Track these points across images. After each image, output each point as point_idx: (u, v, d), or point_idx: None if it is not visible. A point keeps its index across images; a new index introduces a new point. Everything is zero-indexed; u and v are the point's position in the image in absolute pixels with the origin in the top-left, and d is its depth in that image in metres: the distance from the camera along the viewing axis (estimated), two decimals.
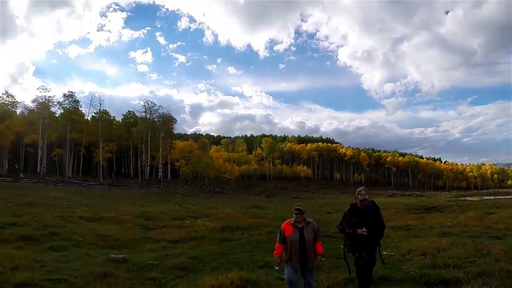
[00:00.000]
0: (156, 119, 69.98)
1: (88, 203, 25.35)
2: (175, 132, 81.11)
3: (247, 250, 11.27)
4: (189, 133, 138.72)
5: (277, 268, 6.15)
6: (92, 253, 10.00)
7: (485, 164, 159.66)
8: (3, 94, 60.61)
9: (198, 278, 7.43)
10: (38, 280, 6.40)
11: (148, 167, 67.78)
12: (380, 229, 6.25)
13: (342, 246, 6.61)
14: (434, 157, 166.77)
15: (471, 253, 9.33)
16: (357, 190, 6.31)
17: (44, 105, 58.74)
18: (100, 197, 33.59)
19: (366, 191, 6.19)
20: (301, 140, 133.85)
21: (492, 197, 59.48)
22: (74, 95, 62.79)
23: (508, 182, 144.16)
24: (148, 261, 9.19)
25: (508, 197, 56.36)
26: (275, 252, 5.85)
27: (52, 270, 7.51)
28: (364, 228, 5.93)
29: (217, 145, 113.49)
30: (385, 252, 10.16)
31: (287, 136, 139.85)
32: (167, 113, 71.78)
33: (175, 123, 76.13)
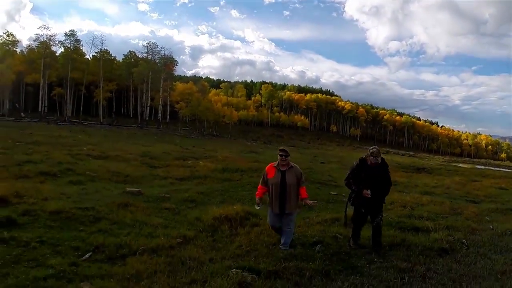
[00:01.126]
0: (157, 61, 69.49)
1: (93, 141, 26.31)
2: (175, 74, 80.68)
3: (247, 189, 12.36)
4: (188, 75, 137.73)
5: (258, 207, 6.22)
6: (108, 187, 11.00)
7: (481, 134, 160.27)
8: (3, 33, 60.04)
9: (207, 208, 8.55)
10: (69, 208, 7.26)
11: (148, 108, 68.33)
12: (387, 187, 6.47)
13: (347, 199, 6.74)
14: (431, 121, 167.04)
15: (446, 211, 10.61)
16: (371, 149, 6.38)
17: (45, 44, 58.44)
18: (102, 136, 34.50)
19: (379, 153, 6.31)
20: (301, 89, 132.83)
21: (482, 167, 60.93)
22: (75, 34, 62.17)
23: (501, 155, 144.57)
24: (160, 194, 10.25)
25: (497, 168, 57.82)
26: (256, 192, 6.17)
27: (77, 200, 8.45)
28: (369, 191, 6.15)
29: (216, 89, 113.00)
30: None
31: (287, 84, 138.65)
32: (168, 55, 71.31)
33: (176, 65, 75.67)
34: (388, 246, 6.59)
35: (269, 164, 6.16)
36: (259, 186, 6.13)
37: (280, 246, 5.99)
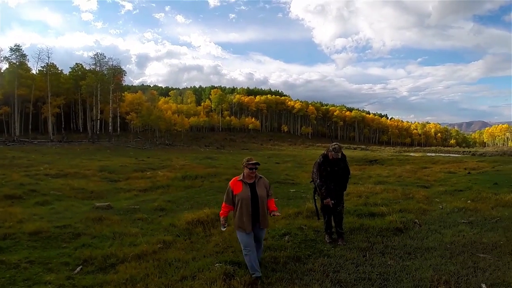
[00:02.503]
0: (105, 72, 67.42)
1: (47, 160, 25.63)
2: (123, 84, 79.09)
3: (211, 194, 12.91)
4: (135, 84, 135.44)
5: (224, 229, 5.42)
6: (76, 204, 11.01)
7: (429, 123, 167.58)
8: None
9: (177, 215, 8.99)
10: (47, 228, 7.43)
11: (98, 121, 66.56)
12: (347, 177, 6.98)
13: (313, 193, 7.16)
14: (381, 113, 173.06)
15: (398, 196, 11.54)
16: (332, 145, 6.76)
17: None
18: (56, 154, 33.47)
19: (340, 149, 6.73)
20: (250, 92, 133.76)
21: (433, 154, 64.03)
22: (21, 49, 59.01)
23: (450, 141, 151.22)
24: (129, 206, 10.50)
25: (447, 154, 61.26)
26: (221, 212, 5.36)
27: (51, 220, 8.54)
28: (330, 200, 6.56)
29: (165, 97, 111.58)
30: None
31: (236, 87, 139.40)
32: (116, 65, 69.39)
33: (125, 75, 74.05)
34: (348, 231, 7.30)
35: (232, 179, 5.41)
36: (223, 204, 5.33)
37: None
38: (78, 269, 5.51)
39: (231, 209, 5.34)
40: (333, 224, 6.92)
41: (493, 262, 5.60)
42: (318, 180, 6.79)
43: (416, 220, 8.23)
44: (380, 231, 7.31)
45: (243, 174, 5.37)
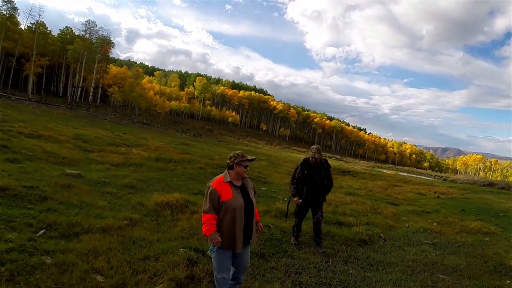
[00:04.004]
0: (94, 41, 65.66)
1: (23, 118, 24.80)
2: (110, 56, 77.30)
3: (183, 179, 12.80)
4: (122, 58, 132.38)
5: (214, 252, 3.91)
6: (46, 168, 10.73)
7: (406, 143, 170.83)
8: None
9: (147, 195, 8.87)
10: (15, 186, 7.19)
11: (80, 88, 65.08)
12: (328, 185, 6.90)
13: (289, 197, 7.25)
14: (360, 127, 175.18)
15: (367, 209, 11.80)
16: (312, 147, 6.82)
17: None
18: (32, 113, 32.46)
19: (319, 151, 6.69)
20: (234, 85, 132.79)
21: (405, 174, 64.86)
22: (13, 1, 56.95)
23: (424, 164, 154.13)
24: (100, 178, 10.30)
25: (419, 176, 62.53)
26: (206, 228, 3.85)
27: (20, 179, 8.26)
28: (299, 199, 6.72)
29: (150, 76, 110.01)
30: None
31: (221, 79, 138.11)
32: (106, 36, 67.74)
33: (113, 47, 72.40)
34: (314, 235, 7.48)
35: (215, 181, 4.03)
36: (207, 215, 3.88)
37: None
38: (41, 232, 5.40)
39: (216, 221, 3.92)
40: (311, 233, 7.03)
41: (451, 284, 5.82)
42: (291, 179, 6.94)
43: (382, 235, 8.46)
44: (346, 240, 7.50)
45: (229, 174, 4.10)
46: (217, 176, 4.12)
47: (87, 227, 5.85)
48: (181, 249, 5.38)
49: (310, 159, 6.74)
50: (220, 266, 4.01)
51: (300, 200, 6.74)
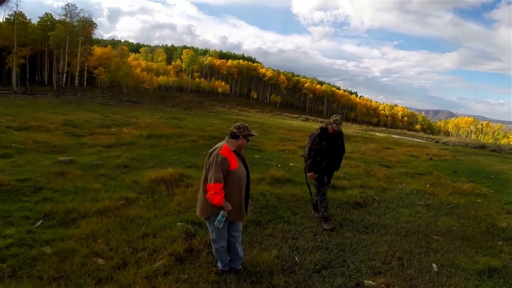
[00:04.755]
0: (75, 24, 63.63)
1: (10, 112, 24.31)
2: (93, 37, 75.23)
3: (176, 154, 12.74)
4: (106, 38, 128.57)
5: (223, 222, 3.86)
6: (38, 158, 10.58)
7: (398, 106, 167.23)
8: None
9: (141, 173, 8.86)
10: (8, 181, 7.11)
11: (65, 74, 63.61)
12: (342, 154, 6.57)
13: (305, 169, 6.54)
14: (351, 90, 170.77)
15: (360, 172, 11.89)
16: (333, 117, 6.20)
17: None
18: (18, 106, 31.79)
19: (342, 121, 6.19)
20: (222, 55, 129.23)
21: (398, 136, 64.86)
22: None
23: (416, 126, 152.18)
24: (93, 161, 10.20)
25: (411, 138, 62.73)
26: (219, 197, 3.74)
27: (12, 173, 8.16)
28: (314, 174, 6.22)
29: (135, 53, 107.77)
30: (291, 164, 12.47)
31: (209, 49, 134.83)
32: (88, 17, 65.24)
33: (96, 28, 70.28)
34: (309, 200, 7.47)
35: (223, 148, 3.91)
36: (218, 185, 3.74)
37: (235, 267, 4.32)
38: (38, 223, 5.39)
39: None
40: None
41: (445, 244, 5.93)
42: (307, 152, 6.35)
43: (376, 197, 8.56)
44: (340, 204, 7.58)
45: (232, 143, 4.03)
46: (220, 144, 4.01)
47: (84, 211, 5.85)
48: (178, 223, 5.41)
49: (330, 129, 6.18)
50: (219, 236, 4.02)
51: (316, 175, 6.26)
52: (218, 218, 3.81)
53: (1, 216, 5.52)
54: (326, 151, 6.26)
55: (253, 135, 4.12)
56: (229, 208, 3.80)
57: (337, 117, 6.20)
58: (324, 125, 6.37)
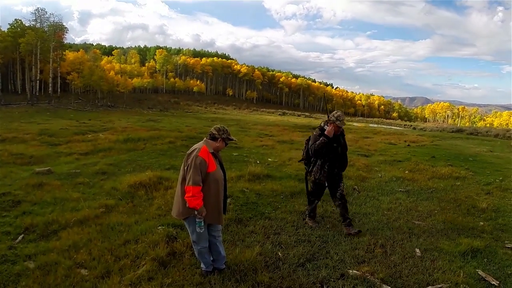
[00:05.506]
0: (46, 29, 61.61)
1: None
2: (64, 42, 73.24)
3: (153, 157, 12.70)
4: (77, 42, 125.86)
5: (203, 227, 3.90)
6: (15, 171, 10.36)
7: (374, 95, 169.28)
8: None
9: (119, 178, 8.83)
10: None
11: (38, 82, 61.83)
12: (346, 153, 5.90)
13: (305, 175, 6.07)
14: (326, 82, 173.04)
15: None
16: (336, 114, 5.51)
17: None
18: None
19: (344, 117, 5.61)
20: (196, 54, 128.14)
21: (375, 125, 65.42)
22: None
23: (393, 114, 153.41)
24: (70, 170, 10.06)
25: (389, 127, 63.51)
26: (197, 201, 3.71)
27: None
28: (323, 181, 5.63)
29: (108, 56, 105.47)
30: (270, 159, 12.58)
31: (182, 48, 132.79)
32: (58, 22, 63.18)
33: (67, 32, 68.37)
34: (289, 194, 7.62)
35: (201, 150, 3.84)
36: (196, 188, 3.70)
37: (219, 266, 4.35)
38: (19, 237, 5.33)
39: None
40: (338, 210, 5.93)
41: (427, 229, 6.08)
42: (304, 155, 5.93)
43: (356, 187, 8.72)
44: None
45: (210, 144, 3.99)
46: (198, 145, 3.93)
47: (64, 222, 5.81)
48: (160, 227, 5.44)
49: (334, 129, 5.52)
50: (199, 238, 3.98)
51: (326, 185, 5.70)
52: (197, 224, 3.83)
53: None
54: (329, 154, 5.59)
55: (232, 139, 4.10)
56: (204, 213, 3.79)
57: (338, 113, 5.53)
58: (323, 124, 5.68)
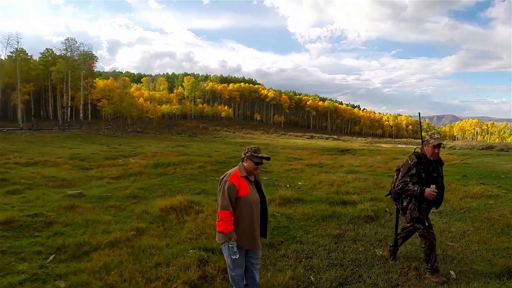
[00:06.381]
0: (76, 58, 65.03)
1: (18, 149, 24.73)
2: (94, 70, 76.68)
3: (183, 181, 12.82)
4: (107, 70, 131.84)
5: (236, 256, 3.76)
6: (47, 193, 10.66)
7: (401, 115, 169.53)
8: None
9: (150, 202, 8.92)
10: (19, 217, 7.16)
11: (69, 108, 64.57)
12: (443, 186, 4.95)
13: (397, 213, 5.32)
14: (354, 104, 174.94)
15: (369, 186, 11.79)
16: (430, 133, 4.79)
17: None
18: (26, 142, 32.33)
19: (440, 136, 4.77)
20: (223, 79, 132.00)
21: (404, 146, 65.12)
22: None
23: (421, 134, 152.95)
24: (101, 194, 10.26)
25: (417, 147, 62.77)
26: (225, 225, 3.66)
27: (23, 209, 8.25)
28: (434, 186, 4.55)
29: (137, 84, 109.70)
30: (300, 183, 12.50)
31: (209, 75, 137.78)
32: (88, 51, 66.98)
33: (96, 61, 71.75)
34: (320, 218, 7.47)
35: (232, 175, 3.80)
36: (225, 212, 3.66)
37: None
38: (51, 257, 5.40)
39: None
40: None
41: (461, 250, 5.84)
42: (402, 186, 4.78)
43: (387, 209, 8.47)
44: (352, 219, 7.52)
45: (243, 168, 3.88)
46: (231, 170, 3.90)
47: (96, 244, 5.86)
48: (191, 251, 5.40)
49: (429, 152, 4.68)
50: (234, 264, 3.86)
51: (434, 187, 4.56)
52: (230, 249, 3.75)
53: (14, 252, 5.55)
54: (428, 186, 4.61)
55: (258, 156, 3.83)
56: (233, 239, 3.70)
57: (435, 134, 4.77)
58: (418, 150, 4.89)
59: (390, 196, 5.19)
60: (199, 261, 5.00)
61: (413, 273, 4.97)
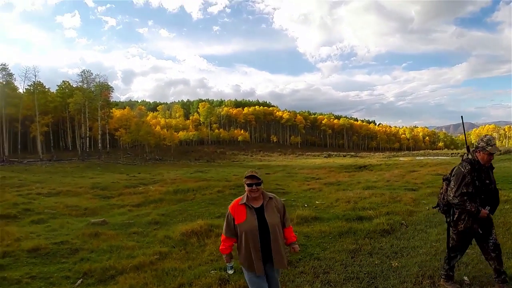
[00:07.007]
0: (93, 89, 67.23)
1: (39, 180, 25.54)
2: (111, 100, 78.77)
3: (203, 206, 13.09)
4: (122, 100, 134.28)
5: (231, 271, 4.11)
6: (71, 221, 11.12)
7: (417, 127, 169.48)
8: None
9: (172, 227, 9.23)
10: (45, 245, 7.59)
11: (87, 138, 66.20)
12: (497, 191, 4.58)
13: (447, 224, 4.76)
14: (369, 120, 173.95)
15: (386, 200, 11.81)
16: (485, 138, 4.37)
17: None
18: (46, 173, 33.35)
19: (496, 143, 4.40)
20: (238, 104, 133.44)
21: (422, 158, 64.30)
22: (7, 68, 58.54)
23: (439, 144, 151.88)
24: (124, 221, 10.66)
25: (436, 157, 61.84)
26: (221, 247, 3.95)
27: (49, 237, 8.68)
28: (487, 208, 4.34)
29: (153, 112, 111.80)
30: (317, 202, 12.62)
31: (224, 100, 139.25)
32: (104, 81, 69.30)
33: (112, 91, 73.94)
34: (337, 234, 7.61)
35: (233, 203, 3.91)
36: (223, 236, 3.93)
37: None
38: (79, 282, 5.71)
39: (234, 241, 3.92)
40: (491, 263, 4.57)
41: (475, 256, 5.87)
42: (459, 199, 4.32)
43: (403, 222, 8.55)
44: (368, 234, 7.62)
45: (244, 196, 3.90)
46: (237, 198, 3.98)
47: (121, 268, 6.15)
48: (212, 271, 5.62)
49: (482, 158, 4.36)
50: (250, 284, 3.92)
51: (487, 208, 4.37)
52: (228, 266, 4.03)
53: (43, 278, 5.88)
54: (481, 194, 4.35)
55: (247, 176, 3.88)
56: (228, 260, 3.96)
57: (488, 136, 4.41)
58: (469, 155, 4.52)
59: (438, 208, 4.80)
60: (220, 280, 5.22)
61: (428, 281, 5.06)
